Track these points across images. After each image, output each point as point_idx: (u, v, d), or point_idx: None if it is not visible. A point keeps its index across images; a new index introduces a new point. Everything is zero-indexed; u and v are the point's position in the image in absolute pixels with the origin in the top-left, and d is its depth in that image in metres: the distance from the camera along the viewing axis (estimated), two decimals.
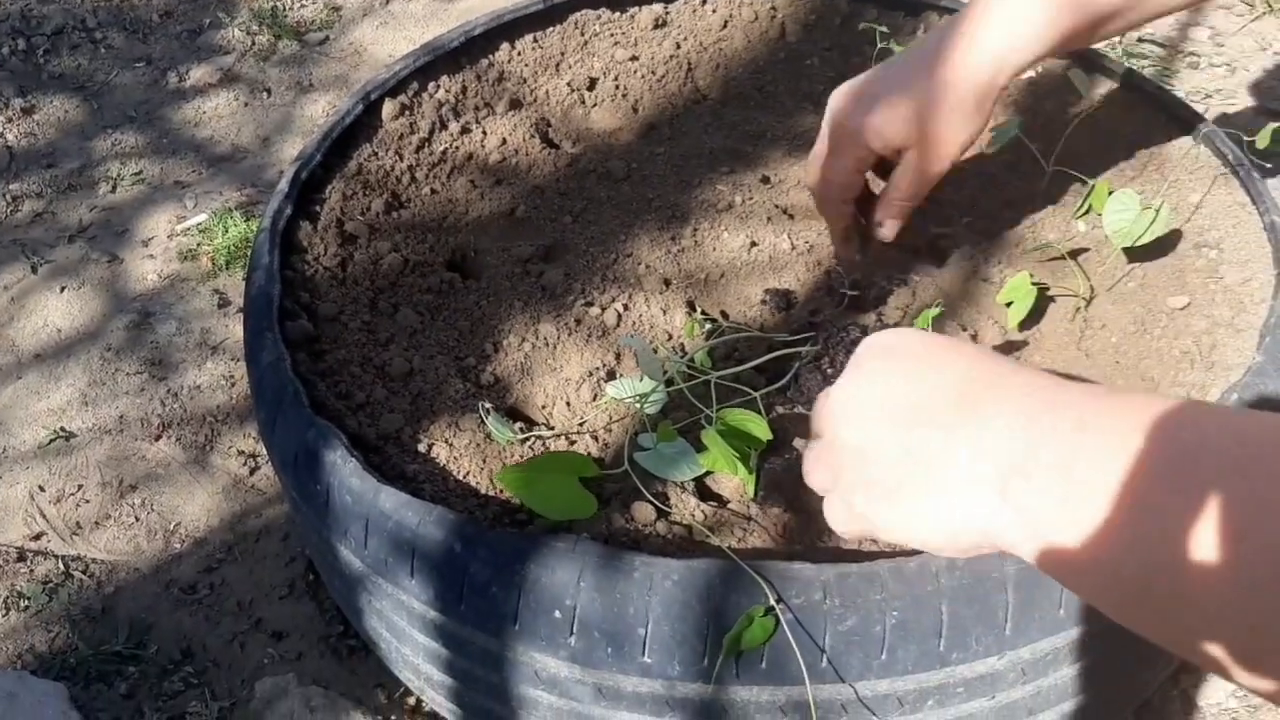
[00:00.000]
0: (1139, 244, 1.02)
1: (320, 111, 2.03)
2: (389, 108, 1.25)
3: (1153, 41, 2.15)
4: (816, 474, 0.66)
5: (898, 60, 0.95)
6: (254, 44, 2.18)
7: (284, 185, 1.13)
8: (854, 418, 0.62)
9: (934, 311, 0.96)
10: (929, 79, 0.90)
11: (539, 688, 0.83)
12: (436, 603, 0.83)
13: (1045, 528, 0.51)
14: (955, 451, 0.55)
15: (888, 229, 1.00)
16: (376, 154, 1.22)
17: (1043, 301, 1.04)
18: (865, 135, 0.94)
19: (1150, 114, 1.20)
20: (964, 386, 0.57)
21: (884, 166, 1.00)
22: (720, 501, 0.90)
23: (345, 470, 0.86)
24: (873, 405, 0.61)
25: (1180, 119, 1.16)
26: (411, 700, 1.13)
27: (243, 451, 1.40)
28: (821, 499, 0.66)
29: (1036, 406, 0.53)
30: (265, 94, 2.08)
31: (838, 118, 0.96)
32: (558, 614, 0.78)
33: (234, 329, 1.58)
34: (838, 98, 0.97)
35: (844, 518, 0.63)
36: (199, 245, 1.73)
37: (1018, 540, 0.53)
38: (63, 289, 1.68)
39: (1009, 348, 1.01)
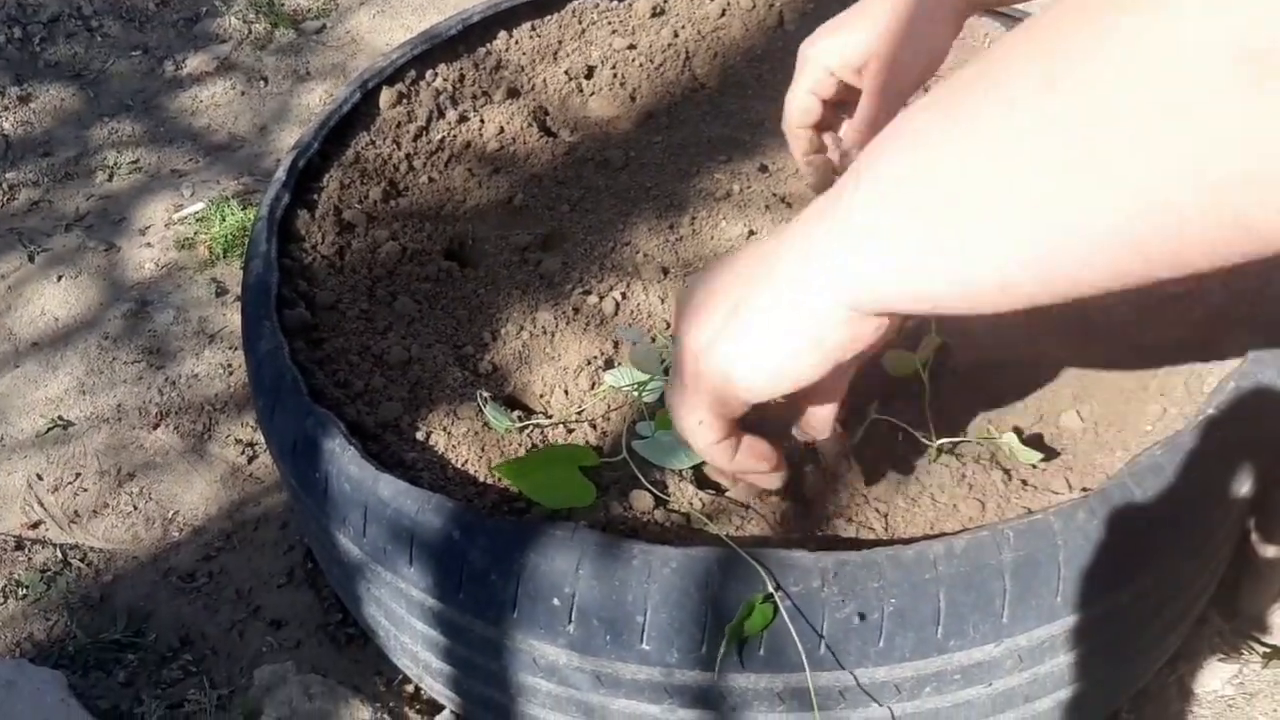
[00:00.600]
0: None
1: (317, 100, 2.02)
2: (387, 96, 1.25)
3: None
4: (672, 394, 0.66)
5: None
6: (250, 32, 2.18)
7: (281, 174, 1.13)
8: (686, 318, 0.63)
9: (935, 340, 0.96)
10: (886, 3, 0.90)
11: (537, 675, 0.84)
12: (435, 590, 0.83)
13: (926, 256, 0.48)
14: (779, 287, 0.56)
15: (854, 155, 0.98)
16: (374, 142, 1.21)
17: None
18: (822, 55, 0.94)
19: None
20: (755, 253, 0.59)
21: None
22: (718, 490, 0.90)
23: (344, 458, 0.86)
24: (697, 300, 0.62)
25: None
26: (410, 688, 1.13)
27: (240, 440, 1.41)
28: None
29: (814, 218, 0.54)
30: (262, 83, 2.08)
31: (801, 50, 0.97)
32: (556, 601, 0.78)
33: (231, 318, 1.58)
34: (804, 40, 0.98)
35: (691, 397, 0.64)
36: (196, 234, 1.73)
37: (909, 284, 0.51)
38: (60, 278, 1.68)
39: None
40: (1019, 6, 1.01)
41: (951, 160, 0.46)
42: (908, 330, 1.00)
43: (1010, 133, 0.43)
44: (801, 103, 0.99)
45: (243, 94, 2.05)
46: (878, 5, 0.92)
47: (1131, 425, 0.91)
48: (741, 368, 0.60)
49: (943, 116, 0.47)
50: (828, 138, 1.02)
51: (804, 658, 0.74)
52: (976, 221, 0.46)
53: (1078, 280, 0.45)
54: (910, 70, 0.92)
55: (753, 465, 0.71)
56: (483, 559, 0.80)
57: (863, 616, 0.74)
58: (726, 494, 0.89)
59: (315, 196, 1.14)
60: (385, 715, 1.06)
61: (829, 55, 0.94)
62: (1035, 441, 0.90)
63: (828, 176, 1.05)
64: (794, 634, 0.74)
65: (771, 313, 0.58)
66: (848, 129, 0.99)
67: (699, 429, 0.66)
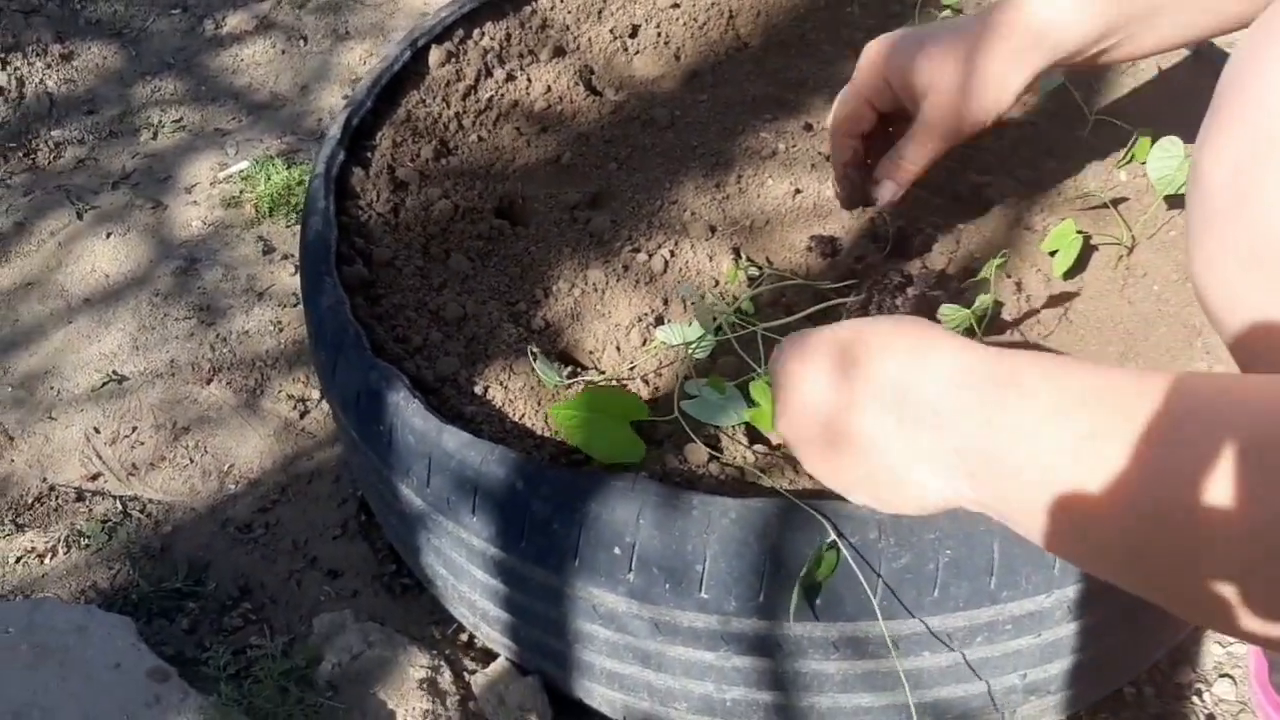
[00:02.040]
0: (1182, 191, 1.03)
1: (357, 59, 2.03)
2: (435, 55, 1.26)
3: None
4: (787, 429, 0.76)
5: (949, 19, 0.95)
6: None
7: (336, 131, 1.14)
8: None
9: (998, 261, 0.97)
10: (964, 35, 0.88)
11: (596, 622, 0.86)
12: (498, 539, 0.85)
13: (1022, 498, 0.57)
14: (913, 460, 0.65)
15: (884, 190, 0.98)
16: (424, 101, 1.23)
17: (1085, 250, 1.04)
18: (885, 67, 0.93)
19: (1194, 64, 1.20)
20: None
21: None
22: (770, 446, 0.92)
23: (408, 411, 0.88)
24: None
25: (1221, 70, 1.16)
26: (464, 637, 1.16)
27: (292, 396, 1.43)
28: None
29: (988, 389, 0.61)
30: (302, 41, 2.09)
31: (866, 51, 0.96)
32: (617, 550, 0.80)
33: (279, 275, 1.61)
34: (873, 40, 0.96)
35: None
36: (241, 192, 1.75)
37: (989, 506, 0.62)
38: (109, 235, 1.70)
39: (1056, 300, 1.02)
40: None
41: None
42: (970, 288, 1.01)
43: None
44: (854, 110, 0.97)
45: (283, 53, 2.07)
46: (957, 35, 0.89)
47: None
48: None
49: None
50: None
51: (878, 609, 0.76)
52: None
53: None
54: (969, 115, 0.90)
55: None
56: (545, 508, 0.82)
57: (918, 567, 0.76)
58: (779, 449, 0.91)
59: (369, 154, 1.16)
60: (442, 662, 1.09)
61: (894, 70, 0.92)
62: None
63: (860, 194, 1.03)
64: (850, 584, 0.77)
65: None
66: (888, 159, 0.97)
67: None
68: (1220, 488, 0.47)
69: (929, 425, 0.62)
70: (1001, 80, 0.88)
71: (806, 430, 0.72)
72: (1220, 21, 0.81)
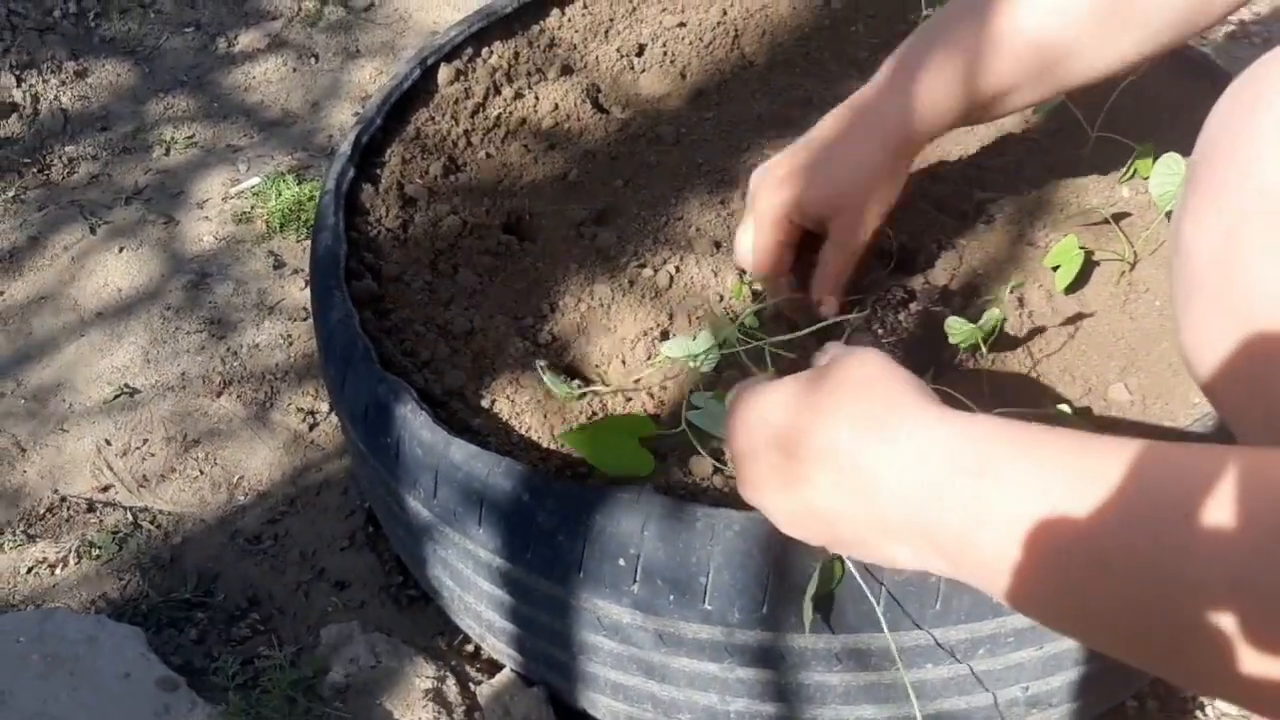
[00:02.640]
0: None
1: (368, 77, 2.06)
2: (445, 73, 1.28)
3: None
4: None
5: (812, 137, 0.99)
6: (301, 10, 2.21)
7: (346, 148, 1.16)
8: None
9: (1013, 283, 1.00)
10: (843, 153, 0.96)
11: (601, 634, 0.87)
12: (504, 551, 0.86)
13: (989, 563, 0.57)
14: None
15: (828, 306, 1.01)
16: (434, 118, 1.24)
17: (1088, 266, 1.05)
18: (787, 211, 0.98)
19: (1194, 81, 1.21)
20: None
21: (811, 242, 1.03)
22: None
23: (416, 423, 0.89)
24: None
25: (1224, 86, 1.17)
26: (470, 648, 1.17)
27: (302, 408, 1.45)
28: None
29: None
30: (313, 60, 2.11)
31: (760, 200, 1.00)
32: (622, 562, 0.81)
33: (290, 290, 1.62)
34: (757, 179, 1.01)
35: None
36: (253, 208, 1.77)
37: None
38: (121, 249, 1.72)
39: (1058, 315, 1.03)
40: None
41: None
42: (973, 303, 1.02)
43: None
44: (773, 258, 1.01)
45: (294, 70, 2.09)
46: (830, 153, 0.96)
47: (1179, 398, 0.93)
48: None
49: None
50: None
51: (867, 618, 0.77)
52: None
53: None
54: (868, 217, 0.98)
55: None
56: (551, 520, 0.83)
57: (920, 579, 0.77)
58: None
59: (379, 171, 1.18)
60: (448, 673, 1.10)
61: (795, 211, 0.98)
62: (1084, 414, 0.93)
63: (804, 310, 1.04)
64: (854, 596, 0.77)
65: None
66: (819, 281, 1.01)
67: None
68: (1207, 539, 0.47)
69: (893, 506, 0.62)
70: (881, 184, 0.97)
71: (767, 499, 0.72)
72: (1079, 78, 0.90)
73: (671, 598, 0.81)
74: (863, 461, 0.63)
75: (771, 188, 0.99)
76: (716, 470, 0.89)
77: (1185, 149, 1.13)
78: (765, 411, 0.70)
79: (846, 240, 0.98)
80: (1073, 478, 0.53)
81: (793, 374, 0.73)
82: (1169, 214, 1.05)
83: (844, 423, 0.65)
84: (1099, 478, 0.52)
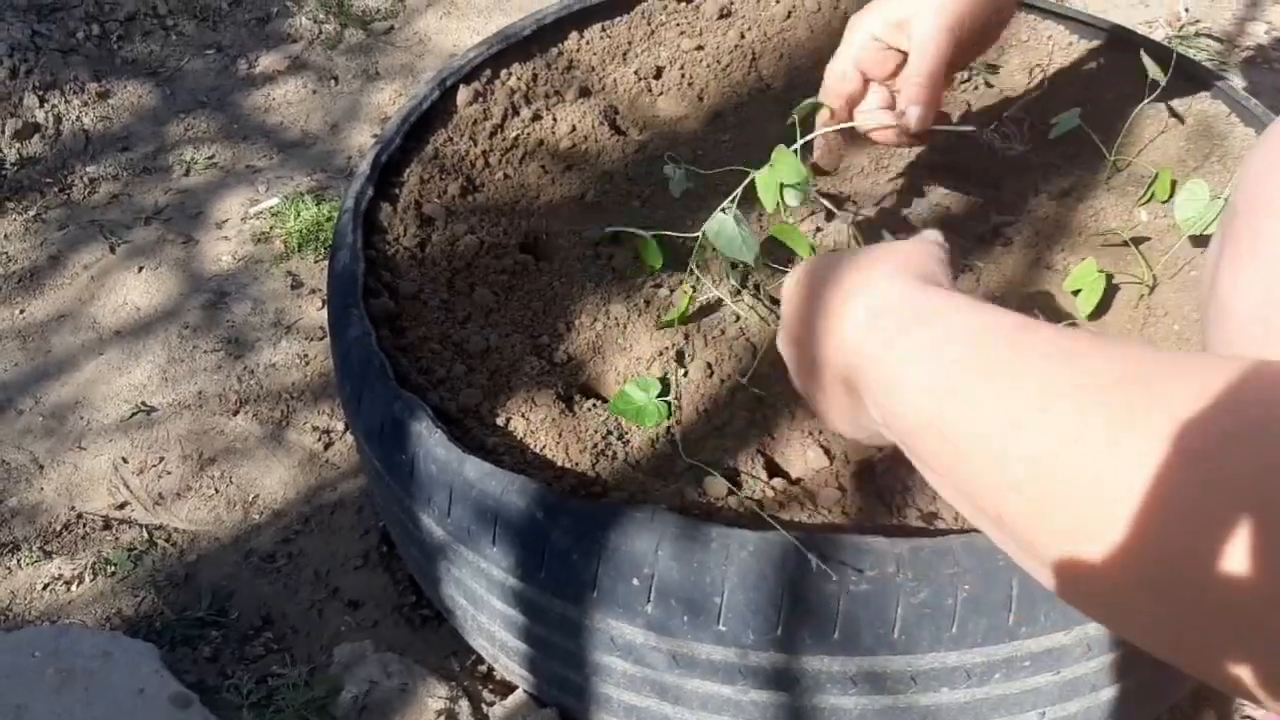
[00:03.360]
0: (1208, 232, 1.03)
1: (387, 99, 2.07)
2: (463, 94, 1.28)
3: (1210, 35, 2.14)
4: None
5: None
6: (321, 32, 2.23)
7: (365, 168, 1.17)
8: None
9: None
10: None
11: (614, 654, 0.87)
12: (517, 569, 0.86)
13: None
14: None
15: (911, 115, 0.99)
16: (452, 139, 1.25)
17: (1108, 289, 1.05)
18: (866, 18, 0.99)
19: (1210, 105, 1.20)
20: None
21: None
22: (788, 479, 0.93)
23: (431, 440, 0.89)
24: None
25: (1242, 110, 1.17)
26: (483, 668, 1.16)
27: (317, 427, 1.45)
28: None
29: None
30: (333, 81, 2.13)
31: (854, 15, 1.02)
32: (636, 582, 0.81)
33: (307, 309, 1.63)
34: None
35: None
36: (271, 228, 1.78)
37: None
38: (141, 269, 1.73)
39: None
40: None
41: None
42: None
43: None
44: (841, 68, 1.02)
45: (314, 92, 2.10)
46: None
47: None
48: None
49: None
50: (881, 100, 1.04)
51: (882, 641, 0.77)
52: None
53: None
54: (951, 25, 0.96)
55: None
56: (565, 539, 0.83)
57: (936, 602, 0.76)
58: (799, 483, 0.91)
59: (397, 191, 1.18)
60: (460, 694, 1.10)
61: (874, 17, 0.98)
62: None
63: (835, 157, 1.11)
64: (869, 618, 0.77)
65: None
66: (904, 84, 1.01)
67: None
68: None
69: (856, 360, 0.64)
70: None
71: (787, 350, 0.76)
72: None
73: (685, 618, 0.80)
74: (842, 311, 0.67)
75: (859, 13, 1.00)
76: (731, 491, 0.89)
77: (1204, 173, 1.13)
78: (790, 317, 0.75)
79: (925, 44, 0.96)
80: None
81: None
82: (1193, 237, 1.05)
83: (839, 287, 0.68)
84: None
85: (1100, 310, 1.04)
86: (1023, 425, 0.47)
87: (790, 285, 0.76)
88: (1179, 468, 0.40)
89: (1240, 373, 0.41)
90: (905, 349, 0.58)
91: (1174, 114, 1.21)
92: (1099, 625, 0.78)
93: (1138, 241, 1.09)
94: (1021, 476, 0.47)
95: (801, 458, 0.94)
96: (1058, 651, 0.79)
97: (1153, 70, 1.15)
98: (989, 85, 1.31)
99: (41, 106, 2.05)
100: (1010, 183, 1.19)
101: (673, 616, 0.81)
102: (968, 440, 0.51)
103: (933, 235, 0.75)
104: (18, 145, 1.98)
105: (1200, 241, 1.06)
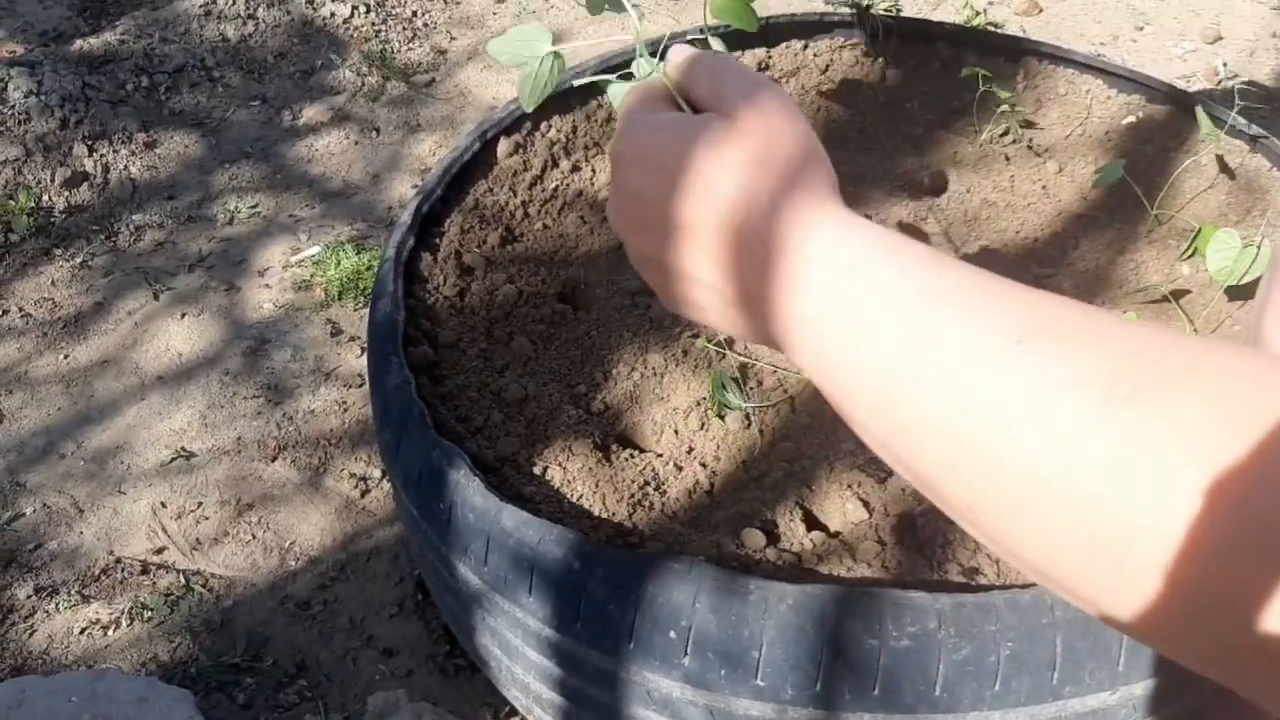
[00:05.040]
0: (1243, 282, 1.03)
1: (427, 150, 2.10)
2: (504, 146, 1.30)
3: (1249, 89, 2.14)
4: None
5: None
6: (364, 85, 2.27)
7: (407, 218, 1.18)
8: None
9: None
10: None
11: (650, 708, 0.86)
12: (554, 620, 0.86)
13: None
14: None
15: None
16: (492, 190, 1.26)
17: None
18: None
19: (1251, 159, 1.20)
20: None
21: None
22: (827, 531, 0.92)
23: (469, 489, 0.89)
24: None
25: None
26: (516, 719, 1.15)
27: (354, 474, 1.46)
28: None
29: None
30: (375, 133, 2.16)
31: None
32: (673, 634, 0.80)
33: (346, 357, 1.64)
34: None
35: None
36: (312, 276, 1.80)
37: None
38: (183, 315, 1.76)
39: None
40: None
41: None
42: None
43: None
44: None
45: (356, 143, 2.14)
46: None
47: None
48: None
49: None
50: None
51: (923, 698, 0.75)
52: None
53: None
54: None
55: None
56: (601, 589, 0.83)
57: (979, 659, 0.75)
58: (837, 536, 0.90)
59: (437, 240, 1.19)
60: None
61: None
62: None
63: None
64: (911, 674, 0.76)
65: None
66: None
67: None
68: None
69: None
70: None
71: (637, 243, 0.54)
72: None
73: (723, 671, 0.79)
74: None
75: None
76: (769, 543, 0.88)
77: (1245, 227, 1.13)
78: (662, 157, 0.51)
79: None
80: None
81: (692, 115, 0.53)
82: (1228, 290, 1.04)
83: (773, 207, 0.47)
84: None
85: None
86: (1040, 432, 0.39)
87: (636, 151, 0.52)
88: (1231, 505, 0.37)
89: None
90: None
91: (1217, 168, 1.20)
92: (1145, 686, 0.76)
93: (1178, 295, 1.08)
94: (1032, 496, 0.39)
95: (840, 510, 0.93)
96: (1104, 712, 0.77)
97: (1205, 126, 1.14)
98: (1029, 141, 1.31)
99: (90, 156, 2.09)
100: (1050, 234, 1.18)
101: (710, 670, 0.80)
102: (955, 439, 0.42)
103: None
104: (67, 194, 2.02)
105: (1237, 294, 1.05)
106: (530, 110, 0.74)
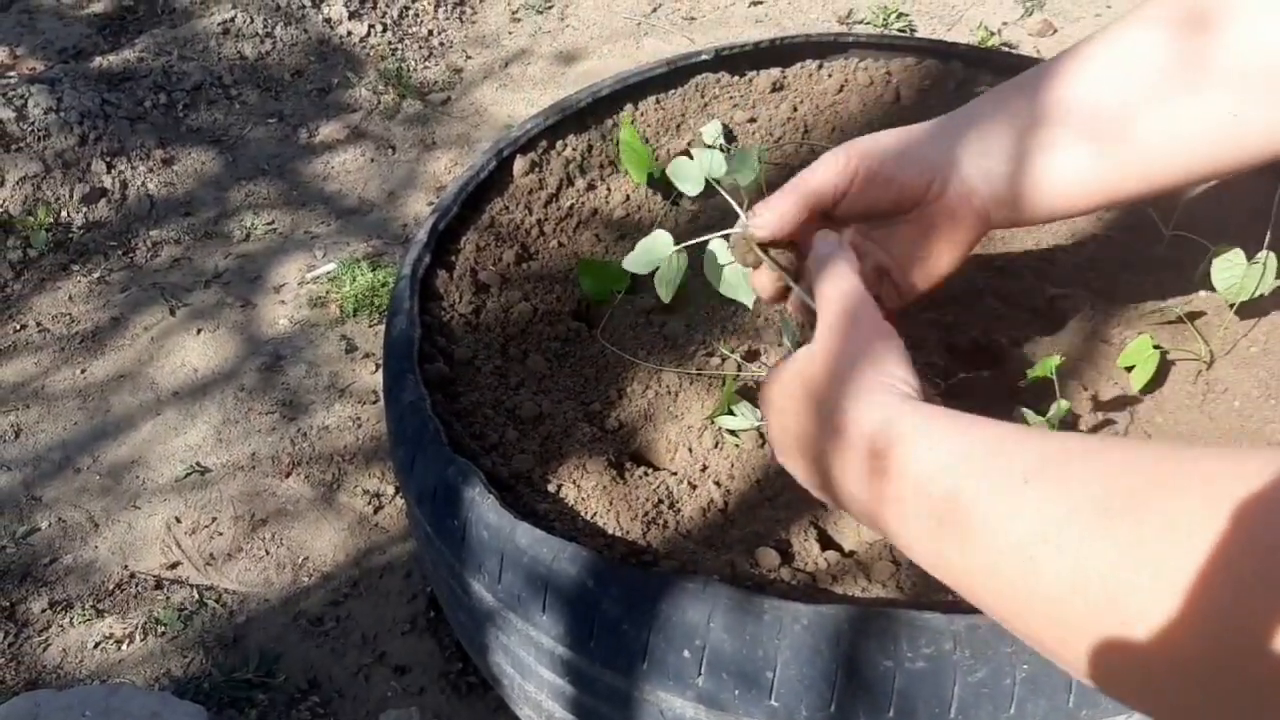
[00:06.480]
0: (1254, 298, 1.02)
1: (443, 168, 2.11)
2: (520, 164, 1.30)
3: None
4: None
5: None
6: (380, 103, 2.29)
7: (423, 235, 1.18)
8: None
9: (1055, 360, 0.97)
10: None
11: None
12: (567, 638, 0.86)
13: None
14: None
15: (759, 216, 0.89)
16: (508, 207, 1.27)
17: (1163, 365, 1.04)
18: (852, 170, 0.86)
19: (1271, 178, 1.19)
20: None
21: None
22: (841, 551, 0.92)
23: (483, 506, 0.90)
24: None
25: None
26: None
27: (368, 491, 1.46)
28: None
29: None
30: (390, 150, 2.17)
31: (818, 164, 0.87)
32: (687, 653, 0.80)
33: (361, 373, 1.65)
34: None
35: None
36: (328, 293, 1.81)
37: None
38: (199, 331, 1.77)
39: (1133, 414, 1.01)
40: None
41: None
42: (1045, 401, 1.01)
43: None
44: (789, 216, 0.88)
45: (372, 161, 2.15)
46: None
47: None
48: None
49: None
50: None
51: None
52: None
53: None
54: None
55: None
56: (615, 608, 0.82)
57: (994, 681, 0.75)
58: (852, 556, 0.90)
59: (453, 258, 1.20)
60: None
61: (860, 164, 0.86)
62: None
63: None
64: (925, 696, 0.75)
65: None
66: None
67: None
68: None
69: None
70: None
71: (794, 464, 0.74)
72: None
73: (737, 691, 0.79)
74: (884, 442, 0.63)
75: (834, 151, 0.84)
76: (783, 562, 0.88)
77: (1260, 248, 1.12)
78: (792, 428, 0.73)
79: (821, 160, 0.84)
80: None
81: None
82: (1240, 309, 1.04)
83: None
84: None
85: (1155, 385, 1.03)
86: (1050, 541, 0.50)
87: (783, 400, 0.73)
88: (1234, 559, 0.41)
89: None
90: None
91: (1234, 189, 1.20)
92: None
93: (1194, 316, 1.08)
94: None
95: (855, 529, 0.93)
96: None
97: None
98: None
99: (109, 172, 2.11)
100: (1065, 255, 1.18)
101: (724, 690, 0.79)
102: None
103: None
104: (85, 209, 2.04)
105: (1247, 311, 1.04)
106: (667, 301, 0.93)
